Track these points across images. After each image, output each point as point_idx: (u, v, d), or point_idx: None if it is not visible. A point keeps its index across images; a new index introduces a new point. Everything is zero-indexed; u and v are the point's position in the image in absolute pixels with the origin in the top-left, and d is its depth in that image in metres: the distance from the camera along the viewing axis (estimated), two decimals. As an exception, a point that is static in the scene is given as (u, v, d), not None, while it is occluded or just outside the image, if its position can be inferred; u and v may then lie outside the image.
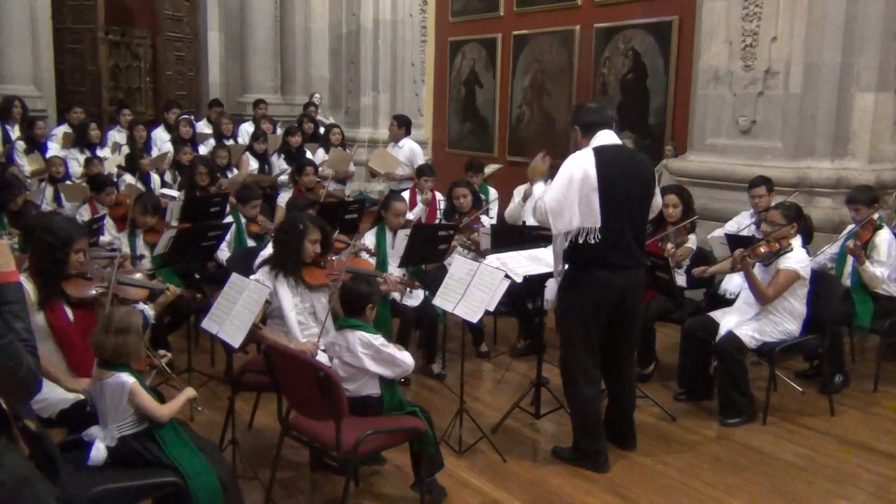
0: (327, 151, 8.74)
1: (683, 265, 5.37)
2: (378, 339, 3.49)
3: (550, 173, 4.22)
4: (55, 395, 3.29)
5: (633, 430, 4.28)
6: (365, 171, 11.10)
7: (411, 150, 8.43)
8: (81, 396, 3.28)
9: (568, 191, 3.77)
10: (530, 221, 5.96)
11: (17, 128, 8.13)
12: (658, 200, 4.21)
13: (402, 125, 8.53)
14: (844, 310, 5.10)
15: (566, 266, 4.00)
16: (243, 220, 5.98)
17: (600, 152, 3.82)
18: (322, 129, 9.67)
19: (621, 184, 3.82)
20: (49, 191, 6.97)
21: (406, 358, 3.55)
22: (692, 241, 5.42)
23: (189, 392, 3.13)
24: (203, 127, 9.50)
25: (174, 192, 7.33)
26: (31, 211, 5.81)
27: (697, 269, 5.07)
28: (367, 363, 3.47)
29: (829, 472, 4.08)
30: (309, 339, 4.07)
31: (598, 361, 4.04)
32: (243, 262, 4.88)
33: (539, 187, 4.18)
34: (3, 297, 2.15)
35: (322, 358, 3.79)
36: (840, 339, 5.23)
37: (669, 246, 5.23)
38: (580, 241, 3.80)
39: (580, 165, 3.78)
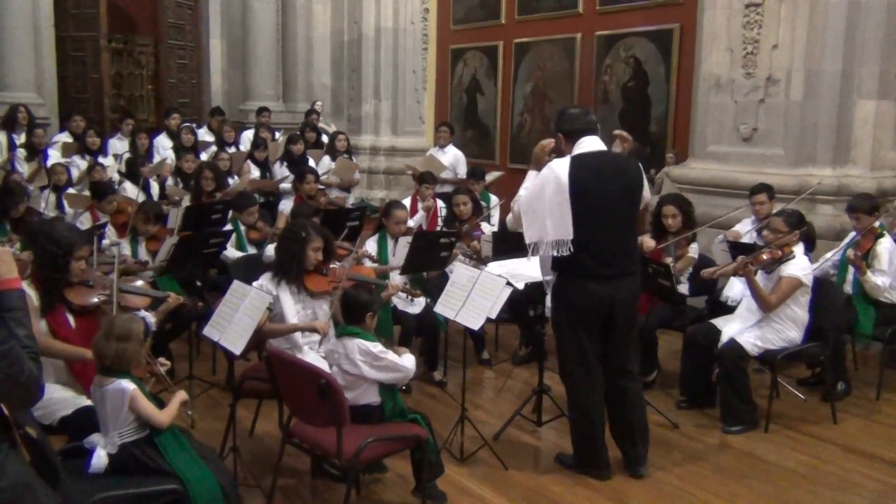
0: (333, 159, 8.77)
1: (685, 275, 5.36)
2: (377, 347, 3.49)
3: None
4: (57, 401, 3.29)
5: (637, 449, 4.02)
6: (384, 177, 11.22)
7: (455, 157, 8.62)
8: (84, 403, 3.28)
9: (540, 199, 3.72)
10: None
11: (23, 136, 8.15)
12: (646, 194, 4.01)
13: (451, 131, 8.77)
14: (847, 317, 5.09)
15: (555, 274, 3.91)
16: (243, 228, 5.99)
17: (577, 160, 3.75)
18: (325, 137, 9.70)
19: (598, 192, 3.73)
20: (51, 198, 6.98)
21: (407, 362, 3.55)
22: (694, 251, 5.40)
23: (181, 395, 3.12)
24: (204, 134, 9.53)
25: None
26: (33, 218, 5.82)
27: (707, 271, 5.00)
28: (365, 370, 3.46)
29: (831, 480, 4.07)
30: (310, 345, 4.07)
31: (596, 369, 3.94)
32: (245, 269, 4.88)
33: (532, 176, 3.97)
34: (5, 303, 2.15)
35: (322, 364, 3.79)
36: (842, 347, 5.21)
37: (669, 260, 5.20)
38: (555, 254, 3.72)
39: (554, 174, 3.71)
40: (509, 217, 4.06)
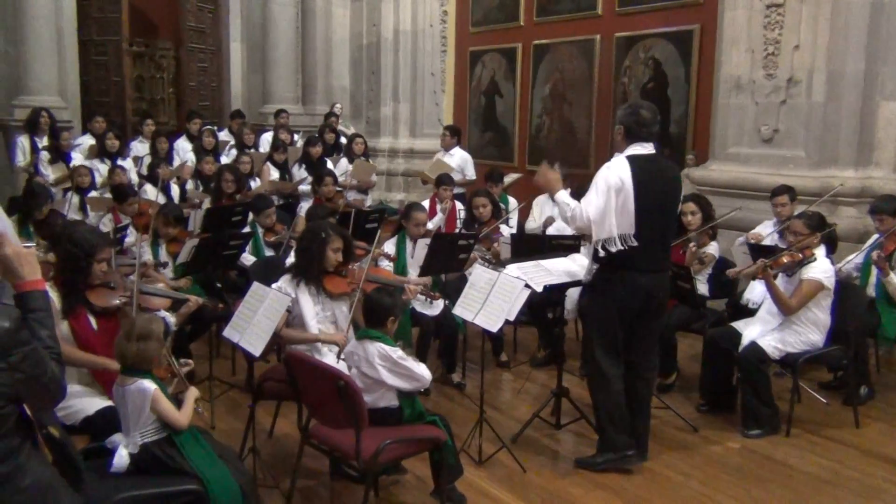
0: (351, 162, 8.81)
1: (706, 272, 5.33)
2: (396, 352, 3.49)
3: (565, 184, 4.27)
4: (79, 402, 3.32)
5: (645, 438, 4.23)
6: (402, 179, 11.25)
7: (462, 158, 8.68)
8: (106, 404, 3.31)
9: (608, 199, 3.87)
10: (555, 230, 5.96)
11: (45, 138, 8.25)
12: None
13: (454, 135, 8.80)
14: (869, 320, 5.03)
15: (595, 266, 4.05)
16: (260, 230, 6.03)
17: (635, 161, 3.92)
18: (343, 140, 9.73)
19: (654, 192, 3.92)
20: (75, 200, 7.05)
21: (423, 372, 3.54)
22: (714, 249, 5.38)
23: (193, 392, 3.14)
24: (224, 137, 9.59)
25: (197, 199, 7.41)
26: (56, 220, 5.89)
27: (732, 271, 5.01)
28: (384, 375, 3.47)
29: (853, 485, 4.03)
30: (329, 346, 4.08)
31: (620, 359, 4.09)
32: (264, 272, 4.91)
33: (564, 195, 4.12)
34: (29, 304, 2.18)
35: (341, 366, 3.80)
36: (865, 350, 5.16)
37: (692, 245, 5.20)
38: (617, 247, 3.87)
39: (616, 174, 3.88)
40: (571, 221, 4.05)
